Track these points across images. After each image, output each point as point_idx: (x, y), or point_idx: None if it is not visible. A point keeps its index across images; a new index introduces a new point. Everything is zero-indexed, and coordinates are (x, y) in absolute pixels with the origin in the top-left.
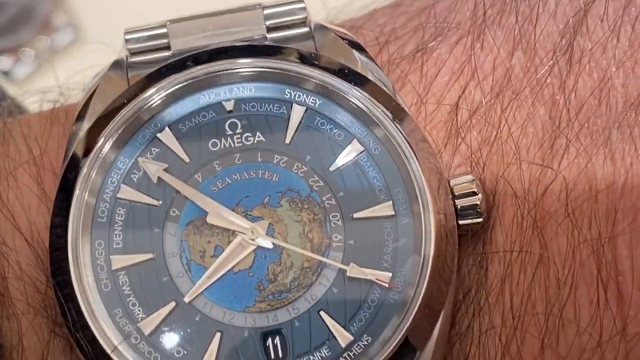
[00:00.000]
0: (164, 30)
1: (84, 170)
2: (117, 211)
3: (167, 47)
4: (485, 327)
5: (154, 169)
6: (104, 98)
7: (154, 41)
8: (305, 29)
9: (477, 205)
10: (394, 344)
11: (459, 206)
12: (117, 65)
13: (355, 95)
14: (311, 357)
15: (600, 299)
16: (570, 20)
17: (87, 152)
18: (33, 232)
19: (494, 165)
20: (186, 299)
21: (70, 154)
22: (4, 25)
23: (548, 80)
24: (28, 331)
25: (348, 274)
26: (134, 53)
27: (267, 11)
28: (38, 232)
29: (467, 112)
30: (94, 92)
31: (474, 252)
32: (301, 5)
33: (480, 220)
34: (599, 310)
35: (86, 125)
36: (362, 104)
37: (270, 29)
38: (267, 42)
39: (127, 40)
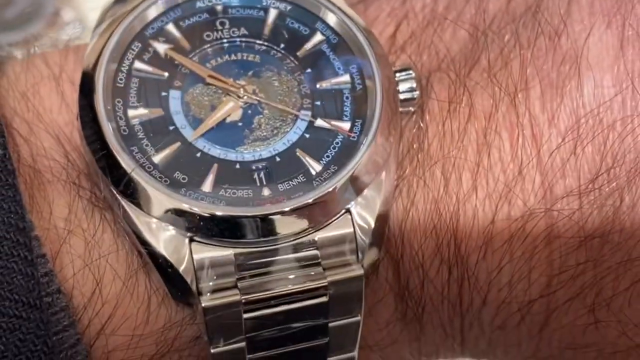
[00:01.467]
0: None
1: (108, 45)
2: (132, 80)
3: None
4: (427, 168)
5: (162, 47)
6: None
7: None
8: None
9: (413, 85)
10: (353, 169)
11: (399, 83)
12: None
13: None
14: (290, 182)
15: (519, 139)
16: None
17: (109, 35)
18: (54, 127)
19: (428, 64)
20: (189, 139)
21: (95, 38)
22: (14, 20)
23: (465, 10)
24: (54, 195)
25: (315, 124)
26: None
27: None
28: (59, 127)
29: (402, 38)
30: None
31: (414, 119)
32: None
33: (416, 94)
34: (518, 147)
35: (105, 24)
36: (323, 3)
37: None
38: None
39: None
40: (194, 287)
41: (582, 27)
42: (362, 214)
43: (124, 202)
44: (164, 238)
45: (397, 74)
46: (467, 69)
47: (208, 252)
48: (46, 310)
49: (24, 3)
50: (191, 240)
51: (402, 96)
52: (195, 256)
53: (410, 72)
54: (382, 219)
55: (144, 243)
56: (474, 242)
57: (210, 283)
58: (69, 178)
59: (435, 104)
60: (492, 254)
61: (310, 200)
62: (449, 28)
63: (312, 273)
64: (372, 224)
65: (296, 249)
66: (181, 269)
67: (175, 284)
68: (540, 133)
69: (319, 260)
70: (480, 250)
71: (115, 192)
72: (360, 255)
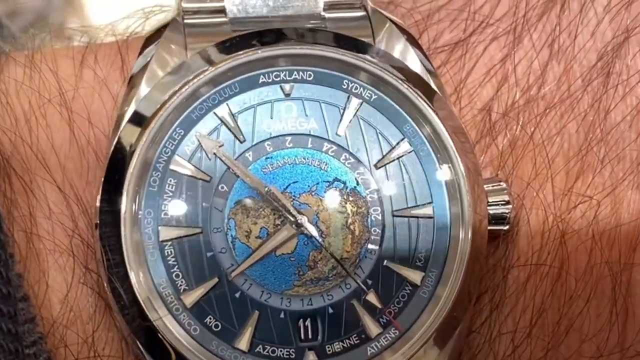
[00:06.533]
0: None
1: (141, 139)
2: (168, 181)
3: (222, 11)
4: (498, 328)
5: (210, 145)
6: (163, 64)
7: (210, 3)
8: (362, 13)
9: (507, 214)
10: (423, 341)
11: (490, 213)
12: (173, 27)
13: (410, 95)
14: (340, 343)
15: (609, 315)
16: (611, 41)
17: (144, 119)
18: (65, 176)
19: (523, 171)
20: (229, 274)
21: (126, 119)
22: (19, 32)
23: (581, 97)
24: (53, 269)
25: (366, 297)
26: (187, 12)
27: None
28: (71, 178)
29: (498, 114)
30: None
31: (494, 254)
32: None
33: (507, 227)
34: (608, 325)
35: (143, 91)
36: (416, 103)
37: (326, 8)
38: (328, 28)
39: None
40: None
41: None
42: None
43: (141, 348)
44: None
45: (490, 199)
46: (568, 204)
47: None
48: None
49: (29, 14)
50: None
51: (490, 227)
52: None
53: (508, 200)
54: None
55: None
56: None
57: None
58: (74, 254)
59: (523, 238)
60: None
61: None
62: (556, 115)
63: None
64: None
65: None
66: None
67: None
68: (637, 318)
69: None
70: None
71: (131, 334)
72: None
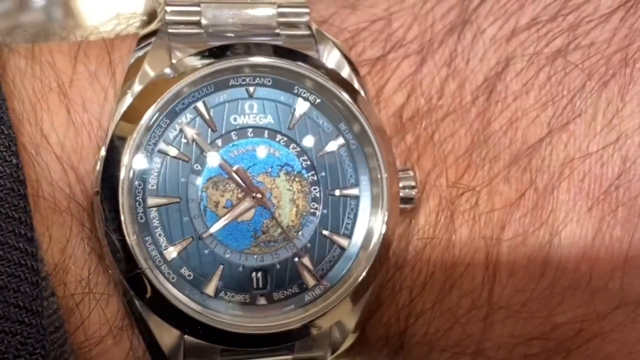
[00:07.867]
0: (197, 8)
1: (136, 127)
2: (155, 160)
3: (198, 23)
4: (400, 284)
5: (190, 132)
6: (154, 66)
7: (188, 17)
8: (308, 32)
9: (413, 196)
10: (345, 294)
11: (401, 195)
12: (160, 34)
13: (346, 101)
14: (284, 291)
15: (482, 278)
16: (494, 67)
17: (138, 112)
18: (63, 151)
19: (425, 163)
20: (201, 234)
21: (121, 112)
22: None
23: (470, 109)
24: (55, 225)
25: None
26: (169, 23)
27: (279, 10)
28: (68, 153)
29: (407, 117)
30: (142, 56)
31: (401, 226)
32: (306, 10)
33: (413, 206)
34: (481, 285)
35: (136, 87)
36: (350, 108)
37: (280, 24)
38: (283, 43)
39: (167, 12)
40: None
41: None
42: (342, 326)
43: (129, 288)
44: (161, 328)
45: (401, 183)
46: (457, 191)
47: (198, 343)
48: (44, 315)
49: (31, 28)
50: (184, 334)
51: (401, 205)
52: (186, 346)
53: (414, 185)
54: (363, 320)
55: (140, 321)
56: None
57: None
58: (73, 214)
59: (422, 214)
60: None
61: (298, 325)
62: (450, 121)
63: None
64: (351, 329)
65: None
66: (172, 356)
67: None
68: (502, 281)
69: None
70: None
71: (122, 278)
72: (330, 352)
